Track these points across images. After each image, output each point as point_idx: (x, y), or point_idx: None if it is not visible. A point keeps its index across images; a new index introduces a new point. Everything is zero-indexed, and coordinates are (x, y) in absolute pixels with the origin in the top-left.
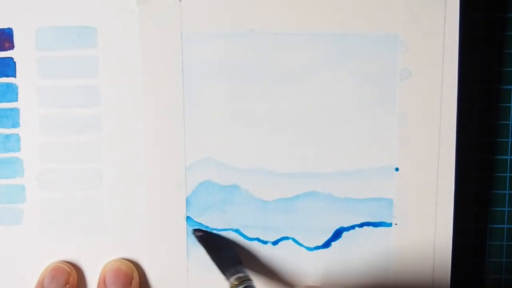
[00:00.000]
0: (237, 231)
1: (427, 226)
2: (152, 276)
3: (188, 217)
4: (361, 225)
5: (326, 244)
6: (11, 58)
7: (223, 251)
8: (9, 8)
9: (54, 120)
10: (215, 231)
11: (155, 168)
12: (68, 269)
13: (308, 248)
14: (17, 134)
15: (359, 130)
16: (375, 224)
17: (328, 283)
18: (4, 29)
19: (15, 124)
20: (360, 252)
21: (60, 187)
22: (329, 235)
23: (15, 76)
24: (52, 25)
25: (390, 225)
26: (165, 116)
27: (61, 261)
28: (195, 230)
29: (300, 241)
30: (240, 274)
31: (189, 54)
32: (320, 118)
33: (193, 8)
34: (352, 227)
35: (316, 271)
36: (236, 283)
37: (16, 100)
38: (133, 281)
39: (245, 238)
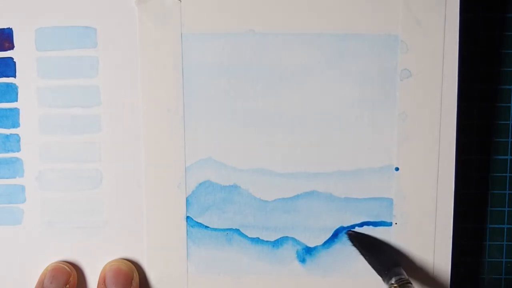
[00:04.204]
0: (237, 231)
1: (427, 226)
2: (152, 276)
3: (188, 217)
4: (361, 224)
5: (326, 244)
6: (11, 58)
7: (379, 252)
8: (9, 8)
9: (54, 120)
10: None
11: (155, 168)
12: (68, 269)
13: (308, 248)
14: (17, 134)
15: (359, 130)
16: (375, 224)
17: None
18: (4, 29)
19: (15, 124)
20: None
21: (60, 187)
22: (329, 234)
23: (15, 76)
24: (52, 25)
25: (390, 224)
26: (165, 116)
27: (61, 261)
28: (348, 231)
29: (300, 241)
30: (401, 276)
31: (189, 54)
32: (320, 118)
33: (193, 8)
34: (352, 226)
35: (316, 271)
36: (396, 285)
37: (16, 100)
38: (133, 281)
39: (245, 238)
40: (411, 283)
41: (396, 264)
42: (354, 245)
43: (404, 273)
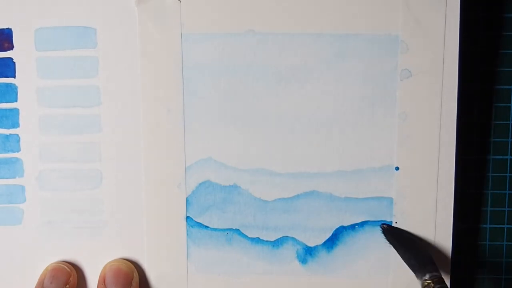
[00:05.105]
0: (237, 231)
1: (427, 225)
2: (152, 276)
3: (188, 217)
4: (362, 224)
5: (326, 244)
6: (11, 59)
7: (414, 247)
8: (8, 8)
9: (54, 120)
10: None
11: (155, 168)
12: (68, 269)
13: (308, 248)
14: (17, 134)
15: (359, 130)
16: (375, 223)
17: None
18: (3, 29)
19: (15, 124)
20: (360, 251)
21: (60, 187)
22: (329, 234)
23: (14, 77)
24: (51, 26)
25: (390, 224)
26: (165, 116)
27: (61, 261)
28: (382, 224)
29: (300, 241)
30: (435, 273)
31: (189, 54)
32: (320, 118)
33: (193, 8)
34: (352, 226)
35: (316, 271)
36: (429, 281)
37: (16, 100)
38: (133, 281)
39: (245, 238)
40: (445, 282)
41: (431, 261)
42: (388, 239)
43: (439, 270)
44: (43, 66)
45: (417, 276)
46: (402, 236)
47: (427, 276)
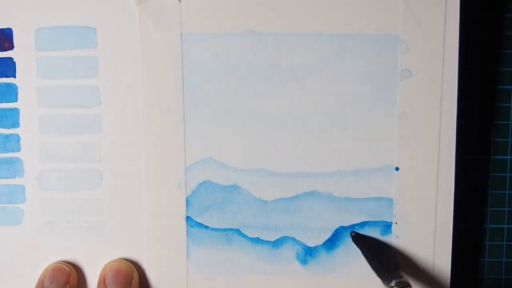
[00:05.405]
0: (237, 231)
1: (427, 226)
2: (152, 276)
3: (188, 217)
4: (362, 224)
5: (326, 244)
6: (11, 58)
7: (381, 254)
8: (9, 8)
9: (54, 120)
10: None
11: (155, 168)
12: (68, 269)
13: (308, 248)
14: (17, 134)
15: (359, 130)
16: (375, 224)
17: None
18: (3, 29)
19: (15, 124)
20: (360, 252)
21: (60, 187)
22: (329, 234)
23: (14, 76)
24: (52, 25)
25: (390, 224)
26: (165, 116)
27: (61, 261)
28: (351, 232)
29: (300, 241)
30: (401, 279)
31: (189, 54)
32: (320, 118)
33: (193, 8)
34: (352, 226)
35: (316, 271)
36: (396, 287)
37: (16, 100)
38: (133, 281)
39: (245, 238)
40: (411, 286)
41: (396, 267)
42: (358, 246)
43: (404, 276)
44: (43, 66)
45: (383, 283)
46: (371, 243)
47: (393, 283)
